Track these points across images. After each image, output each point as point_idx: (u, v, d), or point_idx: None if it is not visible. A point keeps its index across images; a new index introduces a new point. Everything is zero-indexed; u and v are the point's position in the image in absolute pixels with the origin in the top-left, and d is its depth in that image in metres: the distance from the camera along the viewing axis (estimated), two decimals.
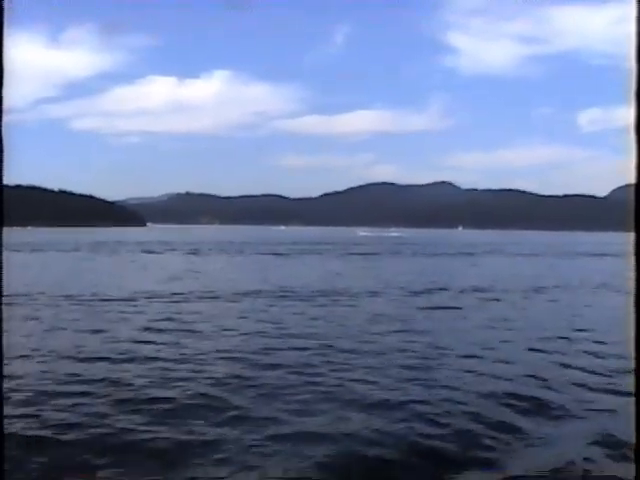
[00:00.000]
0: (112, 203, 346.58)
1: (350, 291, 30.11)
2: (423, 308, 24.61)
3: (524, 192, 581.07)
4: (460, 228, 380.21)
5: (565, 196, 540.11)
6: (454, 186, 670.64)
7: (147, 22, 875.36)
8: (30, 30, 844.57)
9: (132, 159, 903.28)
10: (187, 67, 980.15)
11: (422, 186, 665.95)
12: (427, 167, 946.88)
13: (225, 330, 18.83)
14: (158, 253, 68.26)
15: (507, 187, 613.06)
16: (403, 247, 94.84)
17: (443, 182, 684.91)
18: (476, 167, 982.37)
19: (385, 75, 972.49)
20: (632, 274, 1.69)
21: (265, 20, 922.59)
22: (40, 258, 58.27)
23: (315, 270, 45.96)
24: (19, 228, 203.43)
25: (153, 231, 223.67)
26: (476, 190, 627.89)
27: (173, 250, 75.90)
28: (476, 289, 31.64)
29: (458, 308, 24.65)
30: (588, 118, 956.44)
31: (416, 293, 29.85)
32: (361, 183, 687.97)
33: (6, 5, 1.81)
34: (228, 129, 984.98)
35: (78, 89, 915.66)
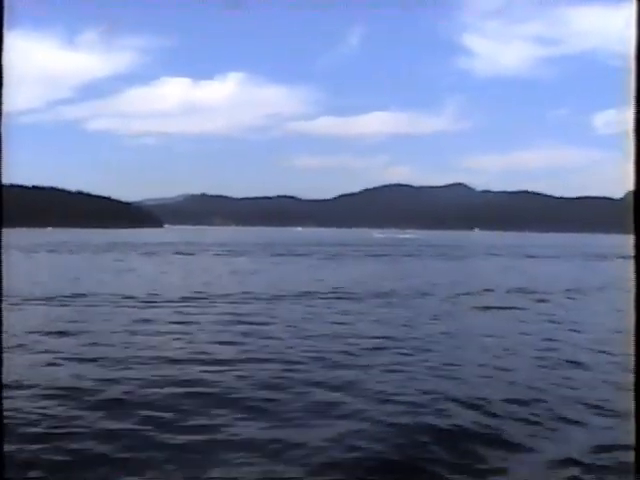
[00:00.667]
0: (129, 204, 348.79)
1: (398, 292, 30.79)
2: (478, 308, 25.34)
3: (539, 194, 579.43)
4: (476, 230, 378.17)
5: (581, 198, 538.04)
6: (469, 188, 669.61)
7: (162, 23, 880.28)
8: (46, 32, 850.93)
9: (147, 160, 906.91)
10: (201, 68, 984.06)
11: (437, 188, 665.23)
12: (442, 169, 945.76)
13: (296, 331, 19.15)
14: (190, 254, 68.93)
15: (522, 189, 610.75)
16: (428, 249, 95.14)
17: (458, 184, 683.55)
18: (491, 169, 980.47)
19: (400, 77, 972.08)
20: (633, 276, 1.72)
21: (280, 21, 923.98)
22: (76, 259, 59.11)
23: (353, 271, 46.64)
24: (39, 229, 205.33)
25: (172, 232, 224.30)
26: (491, 192, 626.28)
27: (204, 251, 76.68)
28: (521, 290, 32.22)
29: (512, 308, 25.33)
30: (604, 120, 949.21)
31: (464, 294, 30.46)
32: (376, 185, 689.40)
33: (6, 5, 1.81)
34: (242, 131, 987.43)
35: (93, 90, 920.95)
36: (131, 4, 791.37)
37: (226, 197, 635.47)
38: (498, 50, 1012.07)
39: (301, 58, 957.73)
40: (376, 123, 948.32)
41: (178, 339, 17.53)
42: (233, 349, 16.16)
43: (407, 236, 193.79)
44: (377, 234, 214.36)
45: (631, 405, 1.85)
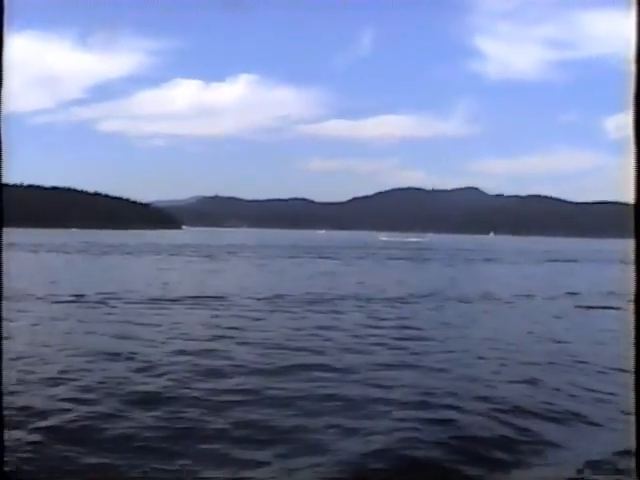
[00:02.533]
0: (146, 205, 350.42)
1: (493, 294, 32.64)
2: (584, 307, 27.30)
3: (552, 198, 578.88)
4: (491, 234, 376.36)
5: (595, 203, 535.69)
6: (481, 191, 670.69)
7: (174, 25, 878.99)
8: (60, 33, 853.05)
9: (158, 161, 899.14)
10: (212, 70, 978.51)
11: (450, 191, 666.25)
12: (452, 172, 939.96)
13: (451, 333, 19.79)
14: (245, 256, 70.91)
15: (535, 193, 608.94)
16: (471, 254, 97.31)
17: (471, 187, 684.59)
18: (502, 172, 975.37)
19: (411, 79, 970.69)
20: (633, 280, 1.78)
21: (291, 23, 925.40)
22: (147, 261, 60.35)
23: (424, 275, 48.63)
24: (63, 230, 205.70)
25: (194, 234, 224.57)
26: (503, 196, 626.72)
27: (256, 253, 78.33)
28: (609, 293, 33.49)
29: (614, 308, 26.38)
30: (615, 124, 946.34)
31: (556, 297, 32.17)
32: (388, 188, 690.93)
33: (6, 5, 1.81)
34: (252, 133, 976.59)
35: (104, 91, 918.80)
36: (143, 6, 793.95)
37: (238, 199, 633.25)
38: (510, 53, 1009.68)
39: (312, 60, 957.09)
40: (386, 126, 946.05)
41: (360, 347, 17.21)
42: (393, 353, 16.23)
43: (413, 239, 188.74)
44: (383, 237, 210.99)
45: (632, 406, 1.92)
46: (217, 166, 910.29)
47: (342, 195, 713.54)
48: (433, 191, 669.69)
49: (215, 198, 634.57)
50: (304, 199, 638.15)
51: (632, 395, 1.85)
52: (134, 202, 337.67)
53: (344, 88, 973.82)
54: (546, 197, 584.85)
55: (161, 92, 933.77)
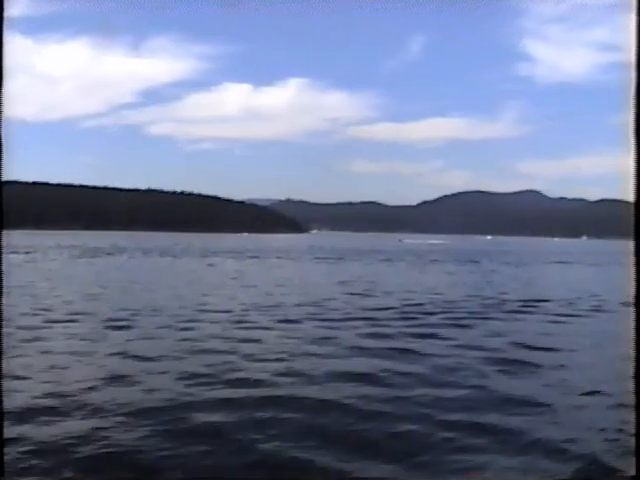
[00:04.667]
0: (265, 207, 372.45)
1: None
2: None
3: (622, 201, 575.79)
4: (584, 238, 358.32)
5: None
6: (542, 195, 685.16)
7: (225, 30, 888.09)
8: (114, 40, 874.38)
9: (208, 164, 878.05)
10: (263, 75, 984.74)
11: (511, 194, 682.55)
12: (503, 174, 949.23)
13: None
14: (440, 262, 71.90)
15: (602, 197, 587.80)
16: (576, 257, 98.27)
17: (531, 190, 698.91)
18: (551, 174, 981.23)
19: (460, 83, 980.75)
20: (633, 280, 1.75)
21: (342, 28, 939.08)
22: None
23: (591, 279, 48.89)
24: (205, 234, 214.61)
25: (328, 237, 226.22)
26: (566, 199, 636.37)
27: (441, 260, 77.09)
28: None
29: None
30: None
31: None
32: (455, 191, 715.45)
33: (6, 5, 1.88)
34: (301, 136, 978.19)
35: (156, 96, 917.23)
36: (194, 12, 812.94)
37: (308, 202, 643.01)
38: (560, 56, 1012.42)
39: (362, 64, 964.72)
40: (435, 129, 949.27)
41: None
42: None
43: (433, 242, 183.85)
44: (407, 240, 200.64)
45: (631, 407, 2.00)
46: (268, 169, 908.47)
47: (397, 199, 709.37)
48: (497, 194, 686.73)
49: (288, 201, 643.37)
50: (375, 202, 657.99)
51: (632, 395, 1.98)
52: (256, 206, 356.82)
53: (394, 91, 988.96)
54: (617, 200, 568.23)
55: (211, 96, 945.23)
